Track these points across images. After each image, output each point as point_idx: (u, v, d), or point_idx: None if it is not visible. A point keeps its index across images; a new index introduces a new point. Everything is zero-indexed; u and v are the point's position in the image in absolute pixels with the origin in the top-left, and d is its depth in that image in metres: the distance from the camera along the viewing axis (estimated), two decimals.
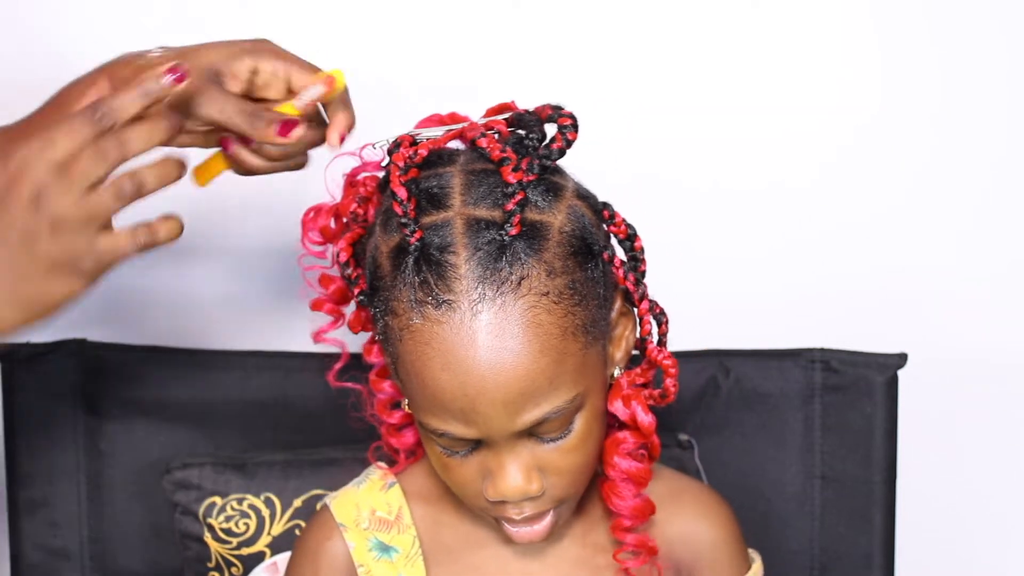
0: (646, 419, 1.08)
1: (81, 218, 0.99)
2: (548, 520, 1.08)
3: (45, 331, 1.45)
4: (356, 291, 1.09)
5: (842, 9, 1.51)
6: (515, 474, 1.04)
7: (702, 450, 1.37)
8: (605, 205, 1.09)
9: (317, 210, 1.13)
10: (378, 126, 1.12)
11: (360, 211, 1.09)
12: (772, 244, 1.54)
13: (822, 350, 1.37)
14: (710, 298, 1.37)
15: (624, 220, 1.09)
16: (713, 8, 1.51)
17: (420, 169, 1.05)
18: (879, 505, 1.36)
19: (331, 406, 1.24)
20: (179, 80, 0.99)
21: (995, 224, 1.55)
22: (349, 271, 1.09)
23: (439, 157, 1.06)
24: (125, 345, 1.39)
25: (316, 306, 1.15)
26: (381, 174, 1.11)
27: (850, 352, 1.36)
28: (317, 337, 1.15)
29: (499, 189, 1.02)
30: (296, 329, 1.48)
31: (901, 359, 1.35)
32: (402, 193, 1.02)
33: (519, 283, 1.00)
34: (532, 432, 1.03)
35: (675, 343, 1.13)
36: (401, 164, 1.03)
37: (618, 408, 1.08)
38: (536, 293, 1.00)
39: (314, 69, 1.12)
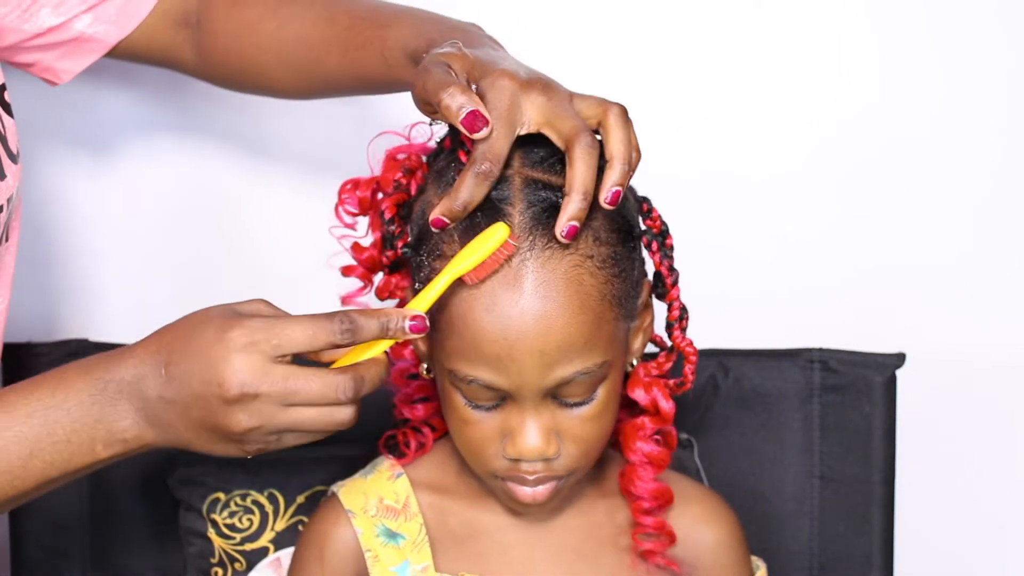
0: (666, 405, 1.13)
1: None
2: (551, 484, 1.10)
3: (46, 331, 1.46)
4: (400, 244, 1.10)
5: (843, 7, 1.52)
6: (535, 434, 1.06)
7: (701, 450, 1.37)
8: (645, 199, 1.12)
9: (356, 182, 1.16)
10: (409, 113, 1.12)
11: (404, 180, 1.11)
12: (771, 244, 1.54)
13: (821, 350, 1.37)
14: (709, 298, 1.36)
15: (660, 216, 1.12)
16: (713, 6, 1.51)
17: None
18: (878, 505, 1.37)
19: None
20: (417, 331, 1.00)
21: (995, 224, 1.55)
22: (393, 227, 1.11)
23: None
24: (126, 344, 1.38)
25: (348, 272, 1.17)
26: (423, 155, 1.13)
27: (849, 352, 1.37)
28: (345, 302, 1.18)
29: (555, 156, 1.04)
30: None
31: (899, 359, 1.36)
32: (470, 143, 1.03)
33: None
34: (556, 395, 1.06)
35: None
36: None
37: (639, 395, 1.13)
38: (582, 255, 1.03)
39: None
